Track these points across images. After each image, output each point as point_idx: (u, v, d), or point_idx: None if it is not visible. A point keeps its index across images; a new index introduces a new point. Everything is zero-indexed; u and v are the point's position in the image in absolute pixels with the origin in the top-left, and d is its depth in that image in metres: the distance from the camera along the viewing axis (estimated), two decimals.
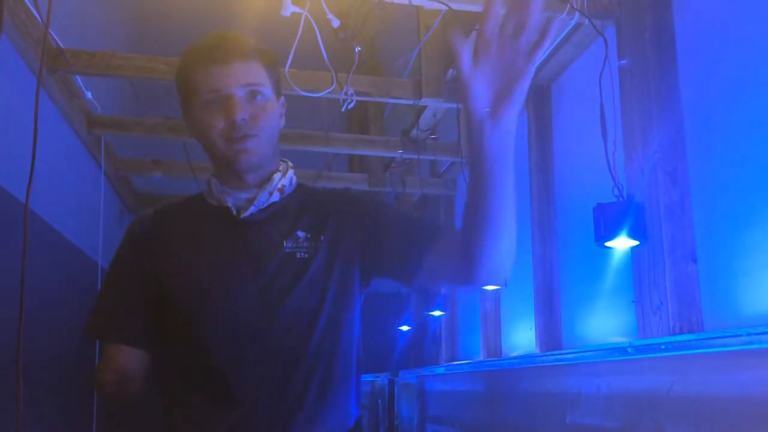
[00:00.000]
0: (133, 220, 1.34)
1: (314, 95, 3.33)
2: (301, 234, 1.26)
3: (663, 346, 0.84)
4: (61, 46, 3.33)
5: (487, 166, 0.92)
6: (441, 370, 2.06)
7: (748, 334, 0.71)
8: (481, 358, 4.37)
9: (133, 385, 1.24)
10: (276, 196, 1.28)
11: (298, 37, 2.74)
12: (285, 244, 1.24)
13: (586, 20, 2.91)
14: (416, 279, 1.21)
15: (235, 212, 1.25)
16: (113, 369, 1.24)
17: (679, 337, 0.81)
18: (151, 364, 1.26)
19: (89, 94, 3.96)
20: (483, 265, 1.06)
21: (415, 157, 4.81)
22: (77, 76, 3.76)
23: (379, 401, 2.60)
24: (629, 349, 0.93)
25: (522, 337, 4.05)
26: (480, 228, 1.00)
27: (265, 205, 1.27)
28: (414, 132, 4.62)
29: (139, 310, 1.26)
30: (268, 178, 1.28)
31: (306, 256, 1.24)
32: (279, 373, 1.18)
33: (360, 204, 1.33)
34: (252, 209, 1.26)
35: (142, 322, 1.26)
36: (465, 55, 0.85)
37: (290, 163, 1.34)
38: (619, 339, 2.35)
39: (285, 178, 1.30)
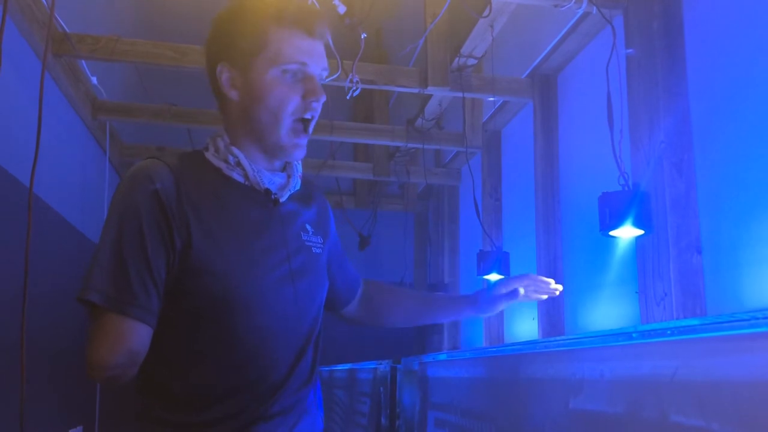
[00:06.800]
0: (148, 170, 1.11)
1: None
2: (309, 228, 1.26)
3: (668, 332, 0.84)
4: (67, 30, 3.32)
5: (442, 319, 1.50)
6: (443, 356, 2.07)
7: (755, 318, 0.71)
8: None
9: (135, 371, 1.09)
10: (299, 184, 1.25)
11: None
12: (303, 237, 1.23)
13: (594, 9, 2.89)
14: (337, 314, 1.47)
15: (274, 198, 1.19)
16: (125, 350, 1.05)
17: (684, 322, 0.81)
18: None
19: (94, 79, 3.96)
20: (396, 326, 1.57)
21: (420, 146, 4.80)
22: (82, 61, 3.76)
23: (381, 388, 2.60)
24: (634, 335, 0.93)
25: (525, 327, 4.05)
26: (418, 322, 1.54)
27: (293, 192, 1.23)
28: (419, 121, 4.61)
29: (158, 282, 1.08)
30: (289, 163, 1.24)
31: (318, 252, 1.25)
32: (297, 360, 1.20)
33: (333, 223, 1.38)
34: (286, 195, 1.21)
35: (158, 296, 1.09)
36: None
37: None
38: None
39: (299, 165, 1.27)
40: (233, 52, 1.17)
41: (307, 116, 1.17)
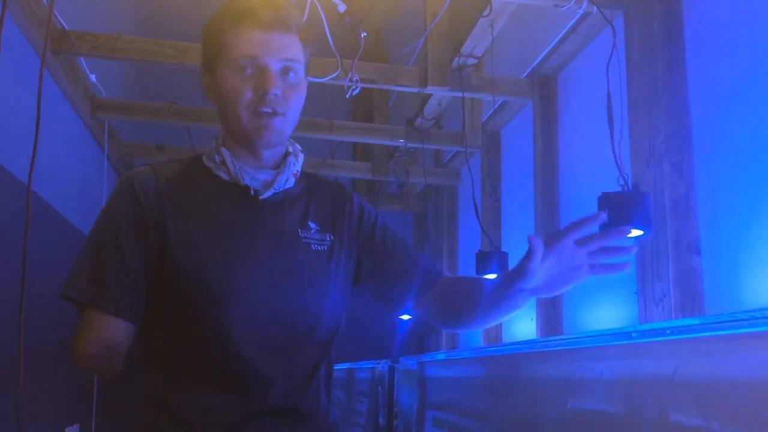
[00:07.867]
0: (131, 176, 1.20)
1: (319, 80, 3.31)
2: (312, 225, 1.25)
3: (668, 331, 0.84)
4: (66, 27, 3.31)
5: (505, 306, 1.16)
6: (441, 356, 2.07)
7: (754, 318, 0.70)
8: None
9: (117, 362, 1.14)
10: (291, 182, 1.24)
11: (303, 22, 2.72)
12: (300, 233, 1.23)
13: (594, 9, 2.90)
14: (400, 312, 1.36)
15: (253, 193, 1.20)
16: (100, 342, 1.13)
17: (683, 321, 0.81)
18: (133, 341, 1.16)
19: (93, 77, 3.96)
20: (465, 327, 1.35)
21: (419, 146, 4.80)
22: (82, 59, 3.75)
23: (379, 388, 2.60)
24: (633, 334, 0.93)
25: (523, 328, 4.05)
26: (479, 321, 1.27)
27: (281, 189, 1.23)
28: (418, 121, 4.61)
29: (137, 280, 1.15)
30: (283, 160, 1.24)
31: (320, 249, 1.24)
32: (289, 360, 1.19)
33: (367, 217, 1.34)
34: (270, 192, 1.21)
35: (137, 293, 1.15)
36: (537, 251, 1.05)
37: (299, 146, 1.30)
38: None
39: (298, 163, 1.27)
40: (205, 58, 1.23)
41: (266, 110, 1.16)
